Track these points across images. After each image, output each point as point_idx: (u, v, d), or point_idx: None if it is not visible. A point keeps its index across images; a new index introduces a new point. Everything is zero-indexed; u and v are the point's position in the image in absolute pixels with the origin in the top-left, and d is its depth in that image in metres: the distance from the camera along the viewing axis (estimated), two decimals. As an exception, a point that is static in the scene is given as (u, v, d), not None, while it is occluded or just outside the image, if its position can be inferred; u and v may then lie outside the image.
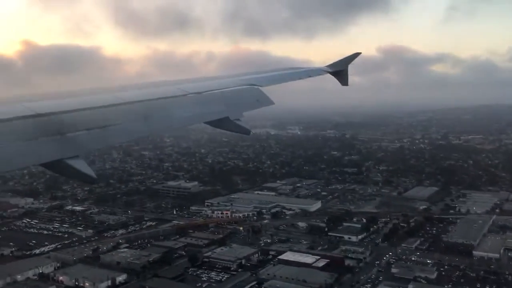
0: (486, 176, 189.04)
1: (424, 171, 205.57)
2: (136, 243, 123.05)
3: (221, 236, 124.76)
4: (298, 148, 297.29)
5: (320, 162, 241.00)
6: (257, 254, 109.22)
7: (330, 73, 19.94)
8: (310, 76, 18.45)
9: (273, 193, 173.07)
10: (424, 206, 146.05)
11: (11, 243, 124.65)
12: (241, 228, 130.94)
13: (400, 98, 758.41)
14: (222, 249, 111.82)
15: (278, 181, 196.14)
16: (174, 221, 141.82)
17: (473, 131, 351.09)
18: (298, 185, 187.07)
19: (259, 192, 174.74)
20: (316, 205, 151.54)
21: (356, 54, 21.11)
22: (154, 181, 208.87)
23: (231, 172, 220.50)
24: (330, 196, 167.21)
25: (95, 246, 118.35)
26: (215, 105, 11.76)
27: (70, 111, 8.23)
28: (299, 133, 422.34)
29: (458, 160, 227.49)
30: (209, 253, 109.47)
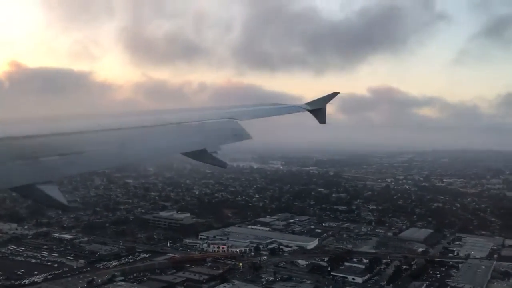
0: (477, 220, 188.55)
1: (414, 212, 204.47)
2: (132, 276, 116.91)
3: (220, 271, 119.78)
4: (284, 183, 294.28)
5: (308, 198, 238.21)
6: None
7: (309, 110, 20.02)
8: (289, 113, 18.57)
9: (267, 229, 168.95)
10: (422, 249, 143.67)
11: (1, 272, 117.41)
12: (240, 264, 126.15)
13: (380, 138, 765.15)
14: (224, 286, 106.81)
15: (268, 216, 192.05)
16: (168, 254, 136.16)
17: (453, 174, 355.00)
18: (291, 221, 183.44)
19: (253, 227, 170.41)
20: (313, 243, 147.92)
21: (334, 94, 21.27)
22: (142, 210, 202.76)
23: (220, 204, 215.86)
24: (325, 234, 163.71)
25: (90, 278, 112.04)
26: (193, 137, 11.58)
27: (45, 135, 7.87)
28: (281, 167, 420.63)
29: (445, 203, 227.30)
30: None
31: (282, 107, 19.03)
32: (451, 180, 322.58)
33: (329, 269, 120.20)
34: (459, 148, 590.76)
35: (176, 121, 11.51)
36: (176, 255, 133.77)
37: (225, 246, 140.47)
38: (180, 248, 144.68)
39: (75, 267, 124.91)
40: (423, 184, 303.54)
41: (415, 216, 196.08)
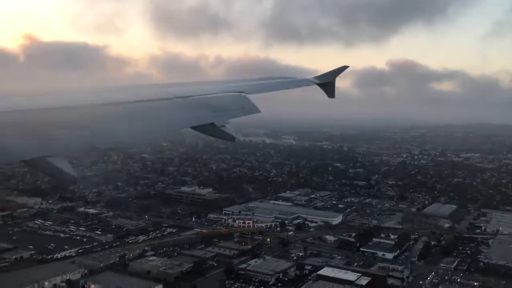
0: (499, 195, 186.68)
1: (434, 188, 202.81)
2: (162, 251, 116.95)
3: (249, 247, 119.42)
4: (299, 158, 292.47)
5: (326, 174, 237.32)
6: (293, 268, 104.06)
7: (318, 84, 19.69)
8: (298, 86, 18.39)
9: (289, 204, 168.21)
10: (448, 224, 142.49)
11: (30, 246, 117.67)
12: (268, 239, 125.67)
13: (393, 113, 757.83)
14: (256, 262, 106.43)
15: (289, 192, 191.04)
16: (195, 229, 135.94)
17: (469, 149, 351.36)
18: (312, 196, 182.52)
19: (275, 202, 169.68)
20: (338, 218, 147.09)
21: (344, 67, 20.78)
22: (163, 185, 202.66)
23: (239, 179, 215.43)
24: (348, 209, 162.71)
25: (121, 253, 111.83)
26: (201, 111, 11.34)
27: (54, 108, 7.86)
28: (294, 142, 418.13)
29: (465, 178, 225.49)
30: (244, 265, 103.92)
31: (291, 81, 18.67)
32: (467, 155, 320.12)
33: (358, 244, 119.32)
34: (473, 122, 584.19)
35: (184, 95, 11.32)
36: (203, 230, 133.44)
37: (251, 222, 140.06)
38: (206, 223, 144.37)
39: (104, 241, 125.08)
40: (440, 159, 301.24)
41: (436, 192, 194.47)
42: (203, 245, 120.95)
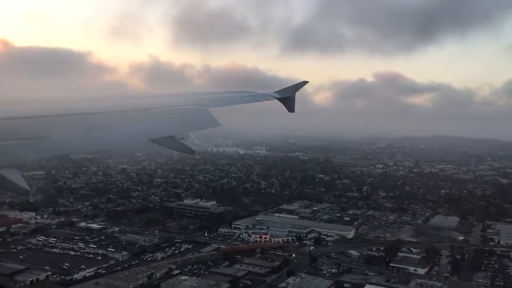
0: (492, 206, 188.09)
1: (427, 199, 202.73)
2: (187, 269, 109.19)
3: (277, 263, 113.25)
4: (281, 169, 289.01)
5: (315, 185, 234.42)
6: (332, 287, 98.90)
7: (278, 99, 19.60)
8: (257, 101, 18.13)
9: (295, 217, 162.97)
10: (461, 237, 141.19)
11: (43, 266, 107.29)
12: (293, 255, 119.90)
13: (345, 126, 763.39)
14: (294, 280, 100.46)
15: (286, 204, 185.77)
16: (212, 244, 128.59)
17: (439, 160, 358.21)
18: (314, 208, 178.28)
19: (280, 215, 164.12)
20: (351, 232, 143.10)
21: (304, 83, 20.84)
22: (157, 198, 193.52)
23: (232, 191, 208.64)
24: (355, 222, 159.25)
25: (148, 272, 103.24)
26: (161, 123, 11.13)
27: (7, 118, 7.52)
28: (267, 153, 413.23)
29: (452, 189, 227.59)
30: (284, 284, 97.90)
31: (251, 95, 18.52)
32: (440, 166, 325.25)
33: (387, 259, 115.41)
34: (432, 135, 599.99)
35: (145, 107, 11.06)
36: (221, 246, 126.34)
37: (267, 236, 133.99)
38: (219, 238, 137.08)
39: (120, 259, 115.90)
40: (416, 170, 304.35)
41: (430, 203, 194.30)
42: (227, 262, 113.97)
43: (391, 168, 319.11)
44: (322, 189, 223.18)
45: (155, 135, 10.46)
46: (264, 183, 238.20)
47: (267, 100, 19.19)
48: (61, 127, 8.31)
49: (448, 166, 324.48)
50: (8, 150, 6.85)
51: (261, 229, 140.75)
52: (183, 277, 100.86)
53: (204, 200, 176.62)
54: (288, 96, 20.44)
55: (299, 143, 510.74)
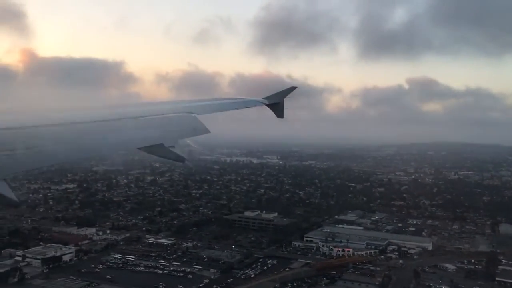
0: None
1: (475, 206, 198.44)
2: (291, 285, 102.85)
3: (379, 279, 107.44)
4: (308, 179, 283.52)
5: (353, 194, 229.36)
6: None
7: (267, 105, 19.44)
8: (246, 107, 17.83)
9: (360, 228, 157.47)
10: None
11: (139, 287, 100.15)
12: (390, 270, 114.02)
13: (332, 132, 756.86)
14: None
15: (341, 215, 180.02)
16: (299, 260, 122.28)
17: (456, 166, 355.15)
18: (373, 219, 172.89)
19: (344, 226, 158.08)
20: (429, 243, 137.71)
21: (292, 88, 20.60)
22: (205, 210, 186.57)
23: (278, 201, 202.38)
24: (423, 232, 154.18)
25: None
26: (150, 131, 11.03)
27: None
28: (280, 162, 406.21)
29: (492, 196, 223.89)
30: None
31: (240, 102, 18.19)
32: (462, 172, 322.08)
33: (490, 273, 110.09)
34: (436, 141, 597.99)
35: (133, 115, 10.88)
36: (309, 261, 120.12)
37: (350, 250, 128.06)
38: (298, 252, 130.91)
39: (213, 278, 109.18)
40: (441, 177, 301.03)
41: (482, 211, 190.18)
42: (324, 279, 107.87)
43: (414, 175, 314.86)
44: (364, 198, 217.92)
45: (144, 143, 10.40)
46: (301, 193, 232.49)
47: (256, 106, 18.82)
48: (51, 137, 8.05)
49: (470, 172, 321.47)
50: None
51: (340, 241, 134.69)
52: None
53: (264, 211, 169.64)
54: (277, 102, 20.00)
55: (305, 151, 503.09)
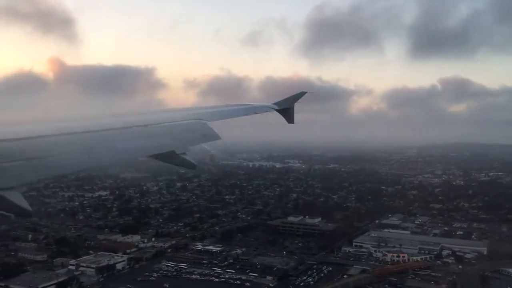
0: None
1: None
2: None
3: (443, 286, 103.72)
4: (337, 182, 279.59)
5: (387, 197, 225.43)
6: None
7: (277, 110, 19.37)
8: (256, 113, 17.66)
9: (407, 232, 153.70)
10: None
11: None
12: (454, 276, 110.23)
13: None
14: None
15: (383, 219, 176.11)
16: (354, 266, 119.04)
17: (483, 168, 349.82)
18: (417, 222, 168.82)
19: (391, 231, 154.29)
20: (484, 247, 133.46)
21: (302, 93, 20.37)
22: (243, 216, 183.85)
23: (315, 206, 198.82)
24: (473, 236, 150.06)
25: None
26: (160, 139, 10.97)
27: (6, 140, 7.36)
28: (303, 166, 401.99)
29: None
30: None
31: (250, 107, 17.93)
32: (492, 173, 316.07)
33: None
34: (453, 142, 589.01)
35: (143, 123, 10.85)
36: (366, 268, 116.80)
37: (405, 255, 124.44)
38: (351, 258, 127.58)
39: (271, 285, 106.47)
40: (471, 178, 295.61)
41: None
42: (387, 286, 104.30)
43: (444, 177, 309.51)
44: (400, 202, 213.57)
45: (156, 150, 10.39)
46: (335, 197, 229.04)
47: (266, 111, 18.63)
48: (62, 146, 8.06)
49: (500, 173, 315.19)
50: (9, 171, 6.67)
51: (393, 247, 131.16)
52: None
53: (307, 217, 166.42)
54: (287, 107, 19.81)
55: (325, 155, 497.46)
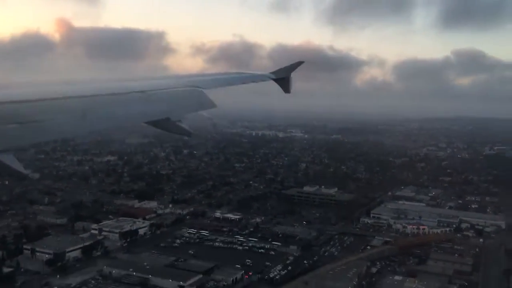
0: None
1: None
2: (379, 266, 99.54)
3: (469, 258, 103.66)
4: (343, 153, 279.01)
5: (398, 169, 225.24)
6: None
7: (273, 79, 19.07)
8: (253, 81, 17.57)
9: (422, 204, 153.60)
10: None
11: (227, 263, 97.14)
12: (477, 249, 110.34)
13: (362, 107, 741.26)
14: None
15: (397, 191, 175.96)
16: (376, 237, 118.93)
17: (487, 141, 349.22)
18: (430, 195, 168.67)
19: (406, 202, 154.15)
20: (502, 221, 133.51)
21: (299, 63, 19.90)
22: (256, 184, 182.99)
23: (324, 176, 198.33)
24: (488, 209, 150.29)
25: (350, 270, 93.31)
26: (156, 105, 10.77)
27: (1, 102, 7.23)
28: (306, 136, 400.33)
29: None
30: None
31: (246, 76, 17.69)
32: (496, 147, 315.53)
33: None
34: (456, 115, 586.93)
35: (139, 89, 10.48)
36: (387, 239, 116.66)
37: (425, 227, 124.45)
38: (371, 230, 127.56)
39: (296, 254, 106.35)
40: (476, 152, 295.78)
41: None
42: (415, 259, 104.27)
43: (448, 150, 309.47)
44: (409, 174, 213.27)
45: (150, 117, 10.33)
46: (343, 167, 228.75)
47: (263, 80, 18.46)
48: (58, 110, 7.95)
49: (504, 147, 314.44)
50: (5, 134, 6.62)
51: (413, 218, 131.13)
52: (396, 277, 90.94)
53: (323, 187, 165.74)
54: (284, 76, 19.40)
55: (328, 126, 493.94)
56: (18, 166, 6.58)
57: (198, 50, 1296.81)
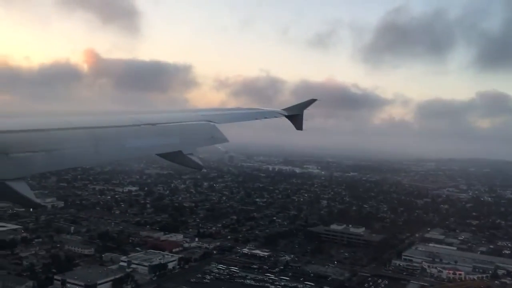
0: None
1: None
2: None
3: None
4: (363, 191, 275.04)
5: (422, 210, 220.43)
6: None
7: (286, 116, 19.25)
8: (265, 118, 17.65)
9: (453, 248, 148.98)
10: None
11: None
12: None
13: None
14: None
15: (414, 232, 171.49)
16: (411, 281, 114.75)
17: (508, 185, 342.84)
18: (460, 238, 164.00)
19: (436, 245, 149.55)
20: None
21: (312, 101, 20.26)
22: (280, 221, 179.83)
23: (346, 214, 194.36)
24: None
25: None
26: (168, 138, 10.86)
27: (16, 131, 7.31)
28: (322, 172, 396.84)
29: None
30: None
31: (259, 112, 18.00)
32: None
33: None
34: (469, 158, 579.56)
35: (152, 122, 10.58)
36: (424, 284, 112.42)
37: (462, 273, 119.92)
38: (404, 273, 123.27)
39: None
40: (498, 195, 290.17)
41: None
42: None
43: (469, 192, 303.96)
44: (434, 215, 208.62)
45: (163, 149, 10.36)
46: (366, 206, 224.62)
47: (275, 117, 18.38)
48: (71, 140, 8.07)
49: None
50: (17, 162, 6.58)
51: (448, 263, 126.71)
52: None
53: (350, 226, 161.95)
54: (296, 114, 19.57)
55: (343, 162, 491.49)
56: (30, 195, 6.45)
57: (222, 84, 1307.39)
